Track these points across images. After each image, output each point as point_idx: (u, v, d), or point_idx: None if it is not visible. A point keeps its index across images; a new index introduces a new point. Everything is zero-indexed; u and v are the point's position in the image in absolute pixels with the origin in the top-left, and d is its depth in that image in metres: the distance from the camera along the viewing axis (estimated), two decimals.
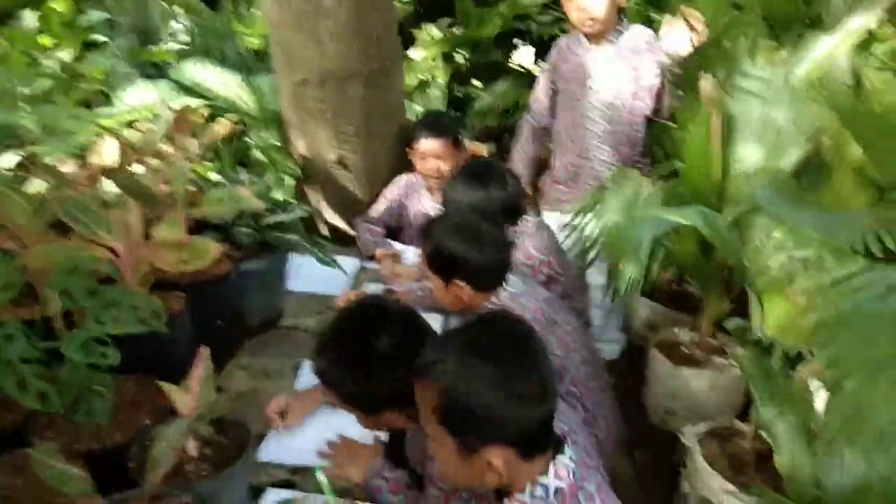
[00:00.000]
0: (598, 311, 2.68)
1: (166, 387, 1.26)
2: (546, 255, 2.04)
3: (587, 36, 2.38)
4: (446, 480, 1.24)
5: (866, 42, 2.43)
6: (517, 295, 1.71)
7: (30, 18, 3.29)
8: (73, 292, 1.31)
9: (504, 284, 1.71)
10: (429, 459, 1.35)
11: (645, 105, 2.41)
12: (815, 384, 1.94)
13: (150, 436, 1.27)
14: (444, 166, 2.41)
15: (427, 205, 2.55)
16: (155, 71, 3.22)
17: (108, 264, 1.44)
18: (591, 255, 2.32)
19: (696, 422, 2.16)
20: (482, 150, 5.21)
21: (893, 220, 1.70)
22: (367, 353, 1.26)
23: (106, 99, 3.01)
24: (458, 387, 0.99)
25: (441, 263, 1.68)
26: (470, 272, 1.65)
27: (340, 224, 2.84)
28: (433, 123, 2.42)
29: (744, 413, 2.41)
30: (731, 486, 1.82)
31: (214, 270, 1.79)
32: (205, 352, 1.32)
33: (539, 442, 1.03)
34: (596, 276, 2.61)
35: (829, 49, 2.44)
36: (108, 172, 1.75)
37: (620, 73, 2.34)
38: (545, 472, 1.02)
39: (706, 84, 2.10)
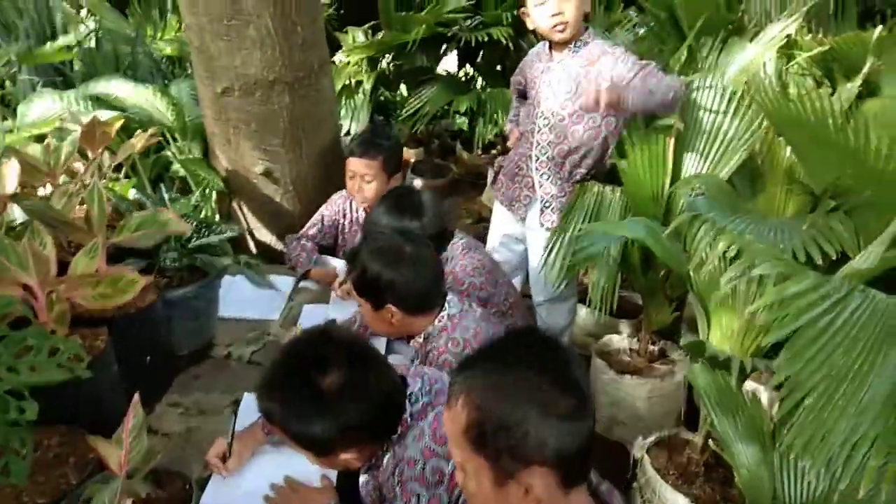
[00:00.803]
0: (545, 328, 2.66)
1: (95, 441, 1.13)
2: (475, 275, 2.00)
3: (553, 45, 2.31)
4: None
5: (788, 48, 2.51)
6: (455, 316, 1.66)
7: None
8: None
9: (444, 305, 1.66)
10: (387, 501, 1.28)
11: (595, 116, 2.27)
12: (764, 395, 1.97)
13: (78, 498, 1.14)
14: (368, 188, 2.32)
15: (350, 229, 2.49)
16: (62, 81, 2.99)
17: (18, 301, 1.28)
18: (562, 272, 2.28)
19: (639, 430, 2.16)
20: (410, 156, 5.17)
21: (829, 228, 1.74)
22: (315, 392, 1.17)
23: (8, 111, 2.78)
24: (490, 399, 0.91)
25: (369, 289, 1.62)
26: (398, 295, 1.60)
27: (270, 239, 2.71)
28: (364, 142, 2.32)
29: (686, 420, 2.44)
30: (682, 498, 1.82)
31: (138, 302, 1.63)
32: (135, 399, 1.20)
33: (580, 470, 0.95)
34: (537, 293, 2.59)
35: (754, 55, 2.51)
36: (15, 197, 1.58)
37: (570, 83, 2.25)
38: None
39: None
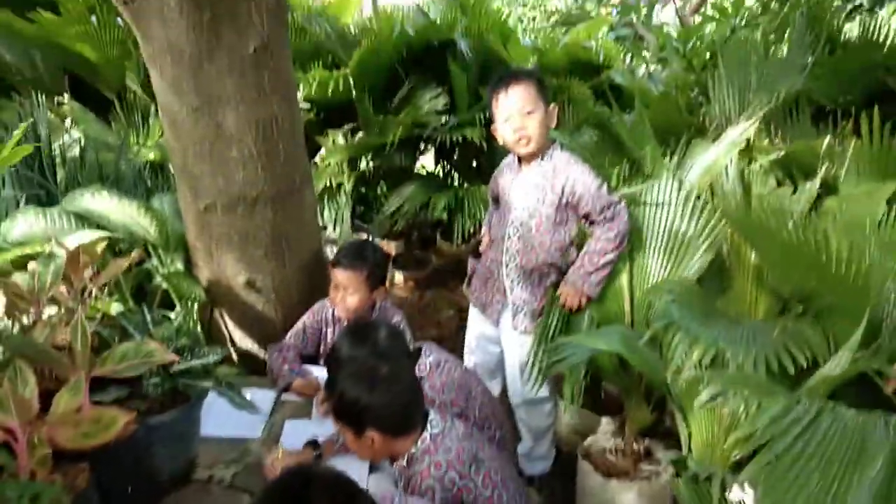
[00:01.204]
0: (527, 432, 2.66)
1: None
2: (445, 392, 2.02)
3: (521, 158, 2.41)
4: None
5: (748, 151, 2.64)
6: (437, 436, 1.67)
7: None
8: None
9: (426, 425, 1.67)
10: None
11: (561, 229, 2.38)
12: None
13: None
14: (350, 299, 2.35)
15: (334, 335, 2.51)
16: (45, 194, 3.04)
17: (2, 450, 1.28)
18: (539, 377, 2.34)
19: None
20: (391, 248, 5.24)
21: (800, 333, 1.79)
22: None
23: None
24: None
25: (348, 415, 1.64)
26: (378, 419, 1.61)
27: (252, 347, 2.72)
28: (350, 254, 2.36)
29: None
30: None
31: (120, 431, 1.63)
32: None
33: None
34: (514, 395, 2.60)
35: (716, 157, 2.63)
36: None
37: (541, 196, 2.33)
38: None
39: None
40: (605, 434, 2.63)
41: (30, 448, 1.36)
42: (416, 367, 2.05)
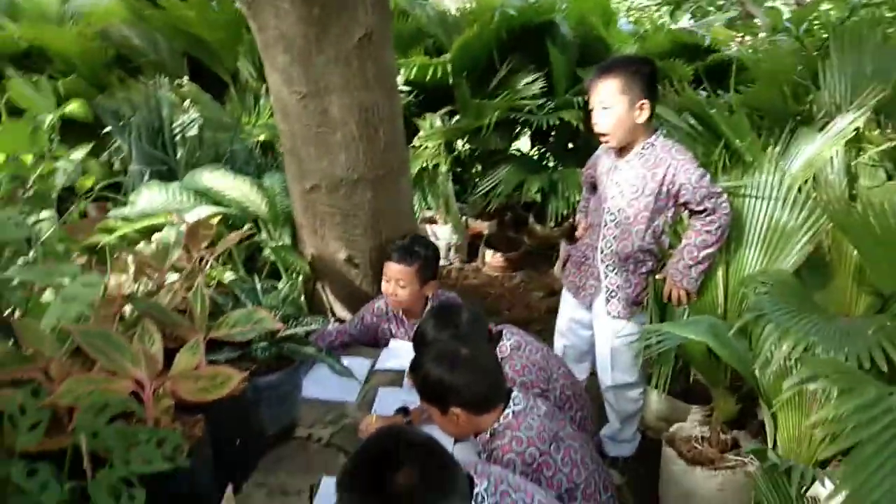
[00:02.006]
0: (614, 414, 2.69)
1: None
2: (525, 374, 2.07)
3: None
4: None
5: (857, 141, 2.53)
6: (519, 413, 1.74)
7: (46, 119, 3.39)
8: (101, 434, 1.33)
9: (508, 402, 1.74)
10: None
11: (657, 217, 2.37)
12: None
13: None
14: (402, 292, 2.45)
15: (396, 327, 2.62)
16: (167, 170, 3.30)
17: (133, 400, 1.46)
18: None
19: None
20: (483, 228, 5.32)
21: None
22: (385, 494, 1.27)
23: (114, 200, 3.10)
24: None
25: (432, 394, 1.73)
26: (461, 398, 1.69)
27: (349, 319, 2.88)
28: (402, 249, 2.45)
29: None
30: None
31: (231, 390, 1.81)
32: (228, 492, 1.34)
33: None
34: (604, 380, 2.63)
35: (820, 147, 2.54)
36: (128, 298, 1.79)
37: (640, 185, 2.32)
38: None
39: None
40: (691, 423, 2.63)
41: (155, 399, 1.54)
42: (498, 349, 2.12)
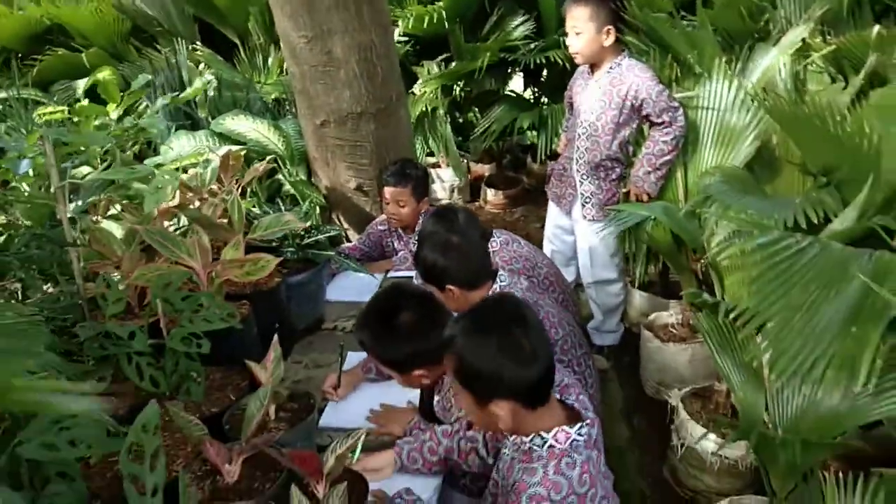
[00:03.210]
0: (597, 308, 3.06)
1: (251, 364, 1.65)
2: (513, 264, 2.39)
3: (592, 66, 2.76)
4: (473, 424, 1.59)
5: (804, 50, 2.82)
6: (505, 287, 2.08)
7: (80, 87, 3.75)
8: (171, 300, 1.71)
9: (495, 280, 2.09)
10: (449, 412, 1.74)
11: (623, 130, 2.71)
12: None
13: (239, 406, 1.66)
14: (403, 211, 2.76)
15: (398, 242, 2.96)
16: (190, 124, 3.65)
17: (192, 273, 1.83)
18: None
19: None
20: (484, 170, 5.65)
21: (818, 200, 2.08)
22: (393, 326, 1.65)
23: (151, 150, 3.45)
24: (469, 357, 1.31)
25: (430, 275, 2.06)
26: (454, 275, 2.02)
27: None
28: (396, 173, 2.75)
29: None
30: (706, 431, 2.18)
31: (269, 283, 2.19)
32: (275, 339, 1.72)
33: (538, 396, 1.32)
34: (586, 276, 2.99)
35: (774, 59, 2.84)
36: (179, 208, 2.16)
37: (607, 100, 2.67)
38: (549, 429, 1.32)
39: None
40: (668, 313, 2.99)
41: (209, 281, 1.91)
42: (489, 245, 2.47)
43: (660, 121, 2.61)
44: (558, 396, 1.42)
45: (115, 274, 1.90)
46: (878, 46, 2.55)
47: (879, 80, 2.59)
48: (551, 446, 1.31)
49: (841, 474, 1.58)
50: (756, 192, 2.36)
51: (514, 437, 1.37)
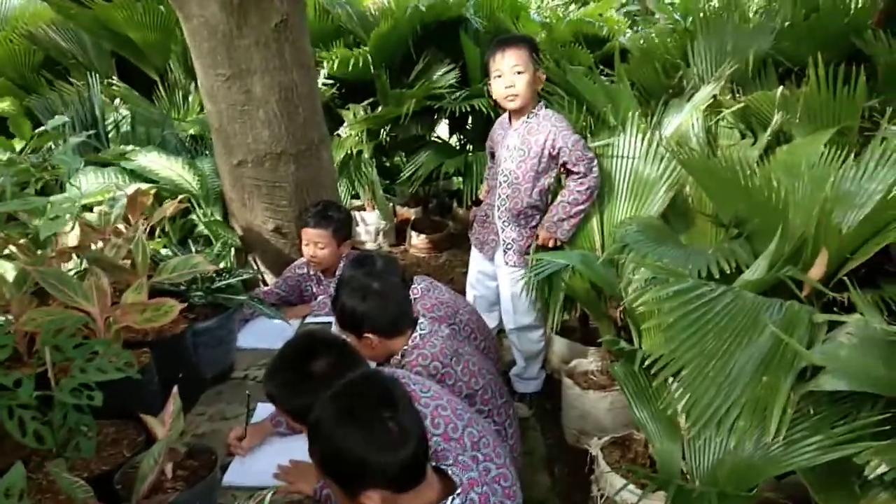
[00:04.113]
0: (519, 354, 3.05)
1: (146, 418, 1.53)
2: (434, 311, 2.36)
3: (510, 114, 2.80)
4: None
5: (715, 107, 2.95)
6: (426, 335, 2.03)
7: None
8: (62, 347, 1.58)
9: (416, 328, 2.04)
10: None
11: (543, 178, 2.74)
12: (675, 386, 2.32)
13: (133, 463, 1.53)
14: (321, 253, 2.71)
15: (316, 286, 2.89)
16: (99, 158, 3.49)
17: (87, 318, 1.70)
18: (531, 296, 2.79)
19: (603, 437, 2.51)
20: (410, 214, 5.63)
21: (730, 251, 2.13)
22: (306, 374, 1.57)
23: (58, 187, 3.26)
24: (332, 450, 1.23)
25: (348, 322, 2.00)
26: (373, 322, 1.96)
27: None
28: (317, 215, 2.71)
29: None
30: (626, 482, 2.16)
31: (173, 330, 2.07)
32: (174, 390, 1.60)
33: (410, 478, 1.25)
34: (508, 322, 2.98)
35: (687, 114, 2.95)
36: (78, 249, 2.02)
37: (526, 149, 2.70)
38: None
39: None
40: (588, 360, 3.00)
41: (106, 328, 1.78)
42: (411, 292, 2.42)
43: (576, 170, 2.65)
44: (433, 464, 1.36)
45: (2, 318, 1.75)
46: (782, 106, 2.68)
47: (785, 136, 2.73)
48: None
49: None
50: (671, 241, 2.41)
51: None
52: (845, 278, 1.81)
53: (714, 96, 2.93)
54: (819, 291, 1.84)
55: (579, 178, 2.64)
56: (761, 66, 3.15)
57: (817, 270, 1.91)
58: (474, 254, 3.05)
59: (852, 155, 2.19)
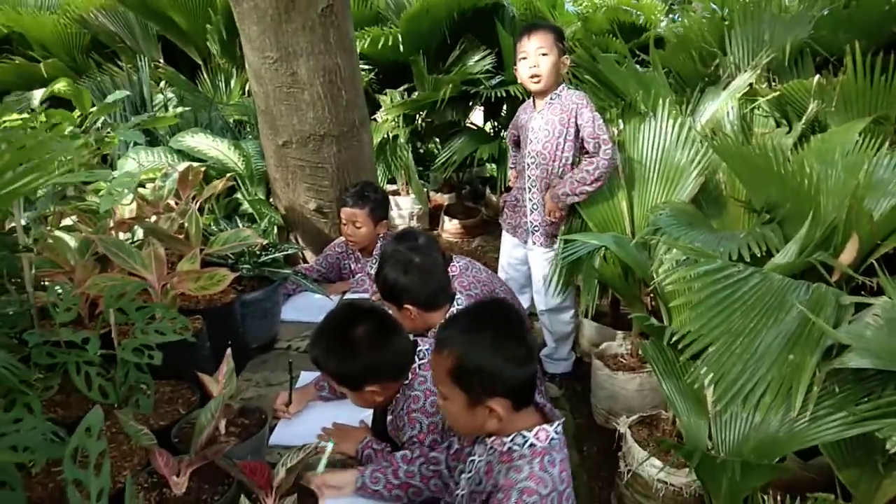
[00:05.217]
0: (550, 335, 3.12)
1: (203, 377, 1.64)
2: (471, 289, 2.42)
3: (534, 96, 2.88)
4: (455, 430, 1.56)
5: (750, 95, 2.98)
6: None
7: (36, 97, 3.69)
8: (126, 309, 1.69)
9: (454, 303, 2.12)
10: (402, 431, 1.74)
11: (569, 154, 2.82)
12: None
13: (188, 419, 1.64)
14: (358, 232, 2.79)
15: (354, 264, 2.97)
16: (148, 142, 3.62)
17: (146, 284, 1.82)
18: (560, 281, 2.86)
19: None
20: (443, 200, 5.71)
21: (762, 235, 2.17)
22: (347, 341, 1.66)
23: (108, 165, 3.41)
24: (467, 353, 1.31)
25: (389, 293, 2.08)
26: (414, 294, 2.04)
27: None
28: (355, 195, 2.79)
29: None
30: (652, 457, 2.23)
31: (223, 299, 2.18)
32: (227, 352, 1.71)
33: (526, 397, 1.33)
34: (539, 304, 3.05)
35: (723, 102, 2.98)
36: (135, 221, 2.14)
37: (551, 129, 2.79)
38: (530, 429, 1.34)
39: None
40: (617, 343, 3.06)
41: (163, 294, 1.90)
42: (450, 269, 2.51)
43: (588, 148, 2.72)
44: None
45: (68, 283, 1.87)
46: (818, 94, 2.70)
47: (820, 125, 2.75)
48: (532, 445, 1.32)
49: (779, 498, 1.64)
50: (703, 225, 2.46)
51: (491, 439, 1.38)
52: (875, 263, 1.85)
53: (750, 85, 2.96)
54: (847, 277, 1.89)
55: (591, 157, 2.71)
56: (798, 55, 3.16)
57: (848, 255, 1.95)
58: (506, 238, 3.13)
59: (886, 143, 2.22)
